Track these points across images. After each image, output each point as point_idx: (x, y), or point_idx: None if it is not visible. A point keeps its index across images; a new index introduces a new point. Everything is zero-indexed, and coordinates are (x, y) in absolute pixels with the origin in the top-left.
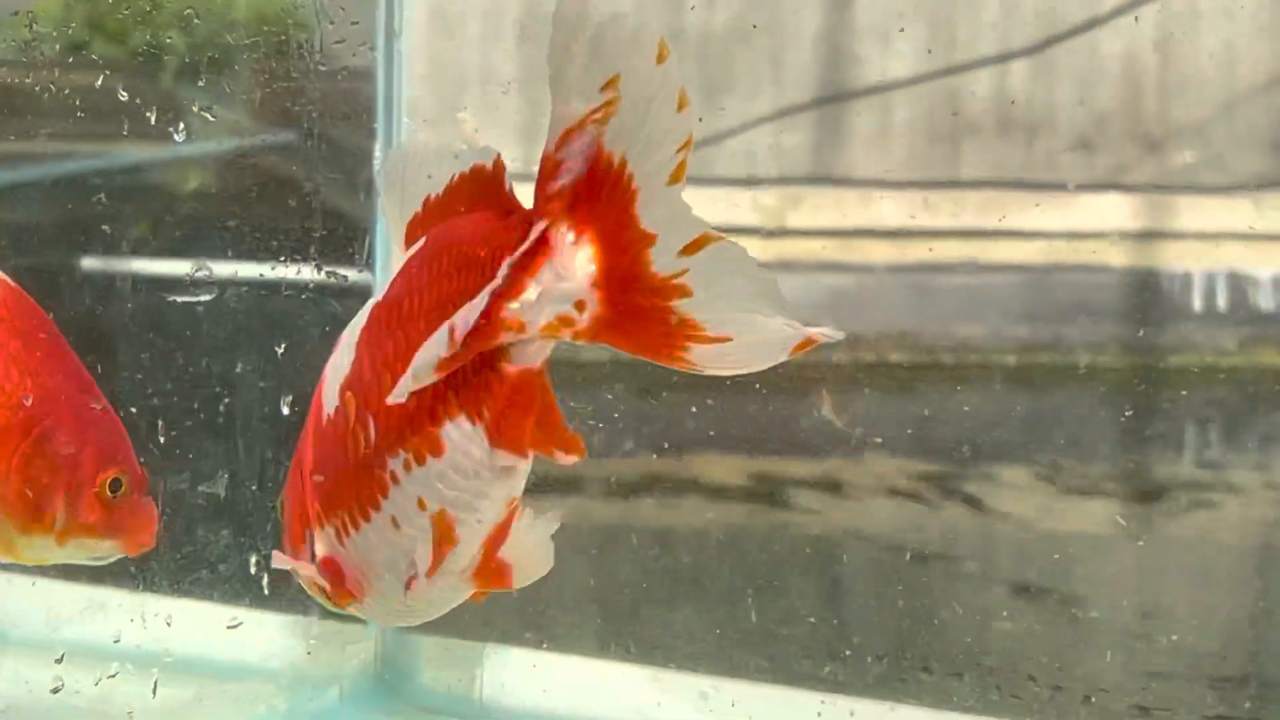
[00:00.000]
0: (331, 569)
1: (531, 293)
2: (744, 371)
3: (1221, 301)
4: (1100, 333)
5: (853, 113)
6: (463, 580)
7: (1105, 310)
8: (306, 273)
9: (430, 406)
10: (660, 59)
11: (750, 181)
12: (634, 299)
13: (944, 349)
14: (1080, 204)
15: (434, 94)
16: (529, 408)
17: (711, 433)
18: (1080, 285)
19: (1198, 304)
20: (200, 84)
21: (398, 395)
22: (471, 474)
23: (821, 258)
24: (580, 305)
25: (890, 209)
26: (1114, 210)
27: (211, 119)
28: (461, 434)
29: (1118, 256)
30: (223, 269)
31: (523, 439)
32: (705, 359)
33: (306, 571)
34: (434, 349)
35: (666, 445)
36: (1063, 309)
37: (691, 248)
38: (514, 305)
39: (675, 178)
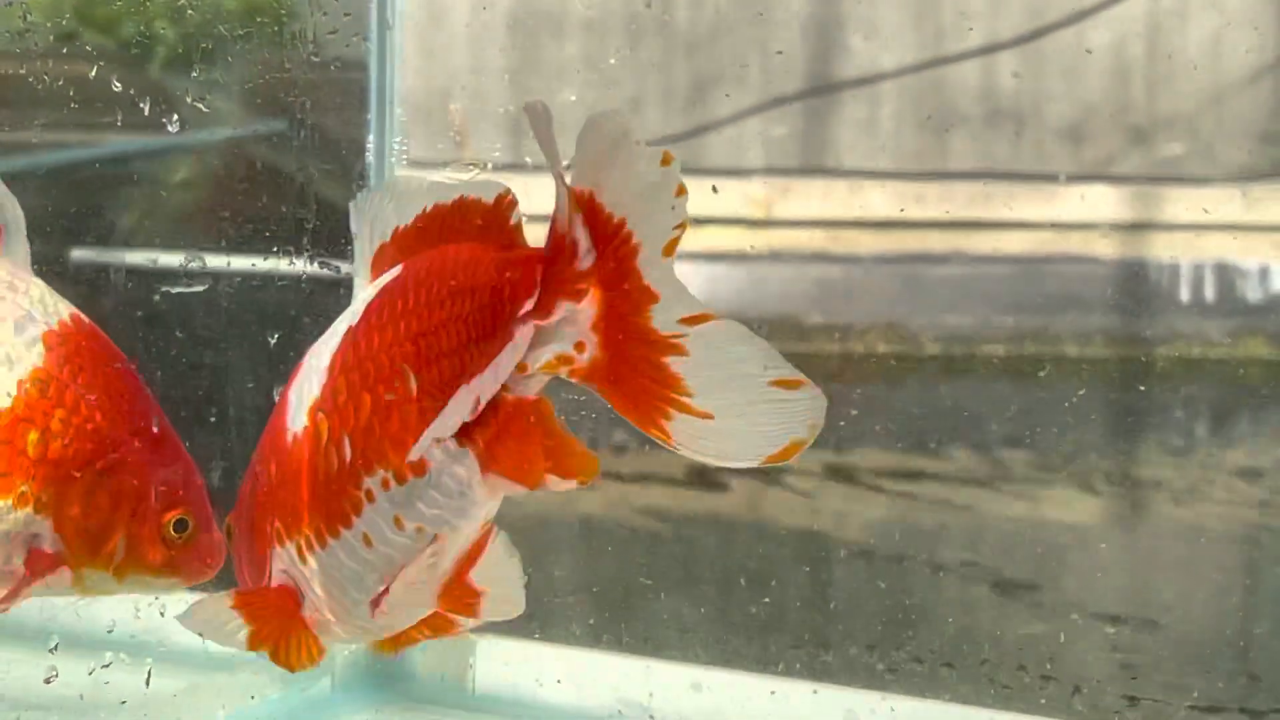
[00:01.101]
0: (286, 594)
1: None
2: (716, 463)
3: (1209, 293)
4: (1088, 324)
5: (841, 103)
6: (430, 597)
7: (1093, 301)
8: (299, 263)
9: (415, 428)
10: (665, 162)
11: (739, 172)
12: (631, 347)
13: (932, 340)
14: (1068, 195)
15: (426, 85)
16: (524, 434)
17: None
18: (1068, 276)
19: (1185, 295)
20: (193, 74)
21: (417, 452)
22: (455, 494)
23: (810, 248)
24: (580, 346)
25: (878, 199)
26: (1102, 201)
27: (205, 110)
28: (447, 455)
29: (1106, 248)
30: (215, 259)
31: (517, 464)
32: (683, 435)
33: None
34: (456, 413)
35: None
36: (1051, 300)
37: (692, 320)
38: None
39: (668, 251)
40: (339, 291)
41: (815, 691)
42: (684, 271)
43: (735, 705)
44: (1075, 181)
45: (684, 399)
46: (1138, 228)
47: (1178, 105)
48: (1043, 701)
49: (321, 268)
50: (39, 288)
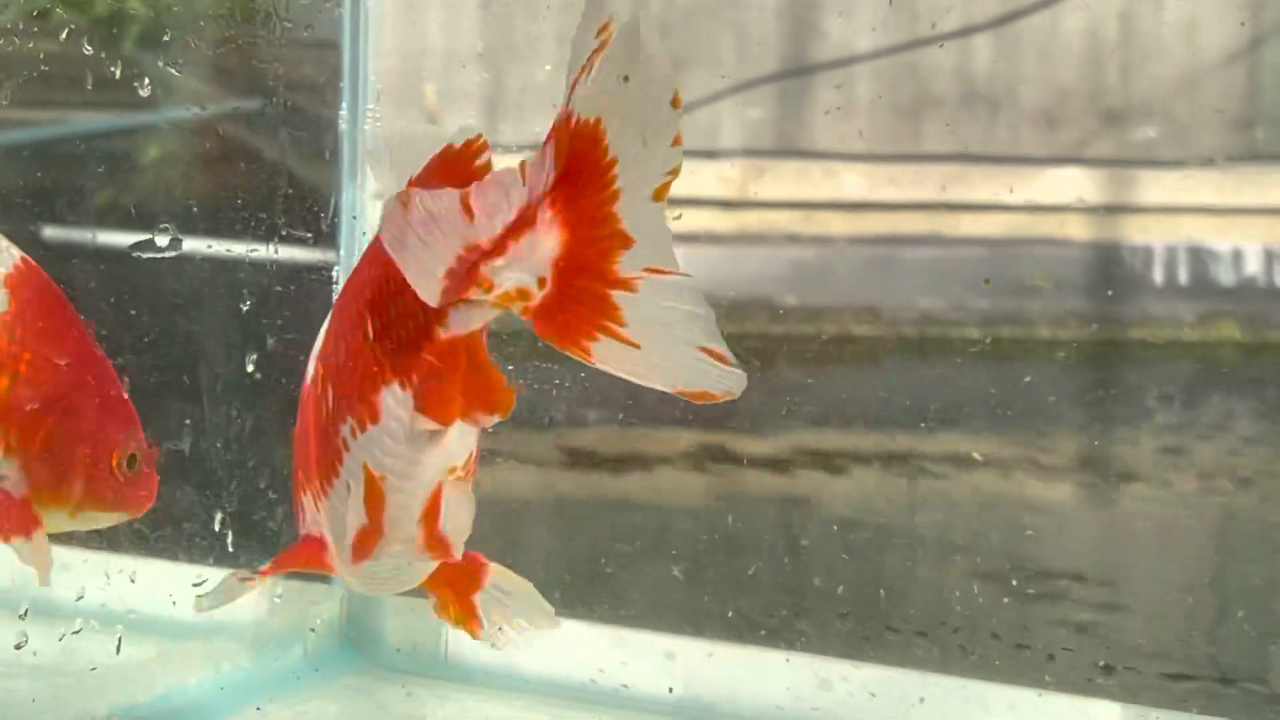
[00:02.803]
0: (311, 544)
1: (507, 257)
2: (631, 379)
3: (1183, 276)
4: (1061, 306)
5: (816, 85)
6: (414, 551)
7: (1067, 284)
8: (271, 234)
9: (372, 374)
10: (675, 105)
11: (713, 153)
12: (584, 283)
13: (906, 322)
14: (1042, 178)
15: (401, 65)
16: (454, 372)
17: (675, 407)
18: (1042, 259)
19: (1159, 278)
20: (167, 49)
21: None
22: (402, 439)
23: (784, 230)
24: (541, 281)
25: (853, 181)
26: (1076, 184)
27: (176, 73)
28: (395, 400)
29: (1079, 230)
30: (186, 231)
31: (445, 404)
32: (605, 355)
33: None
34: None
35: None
36: (1025, 283)
37: (654, 271)
38: (493, 264)
39: (658, 196)
40: (310, 263)
41: (788, 660)
42: None
43: (709, 674)
44: (1049, 164)
45: (617, 328)
46: (1111, 210)
47: (1152, 88)
48: (1016, 670)
49: (293, 240)
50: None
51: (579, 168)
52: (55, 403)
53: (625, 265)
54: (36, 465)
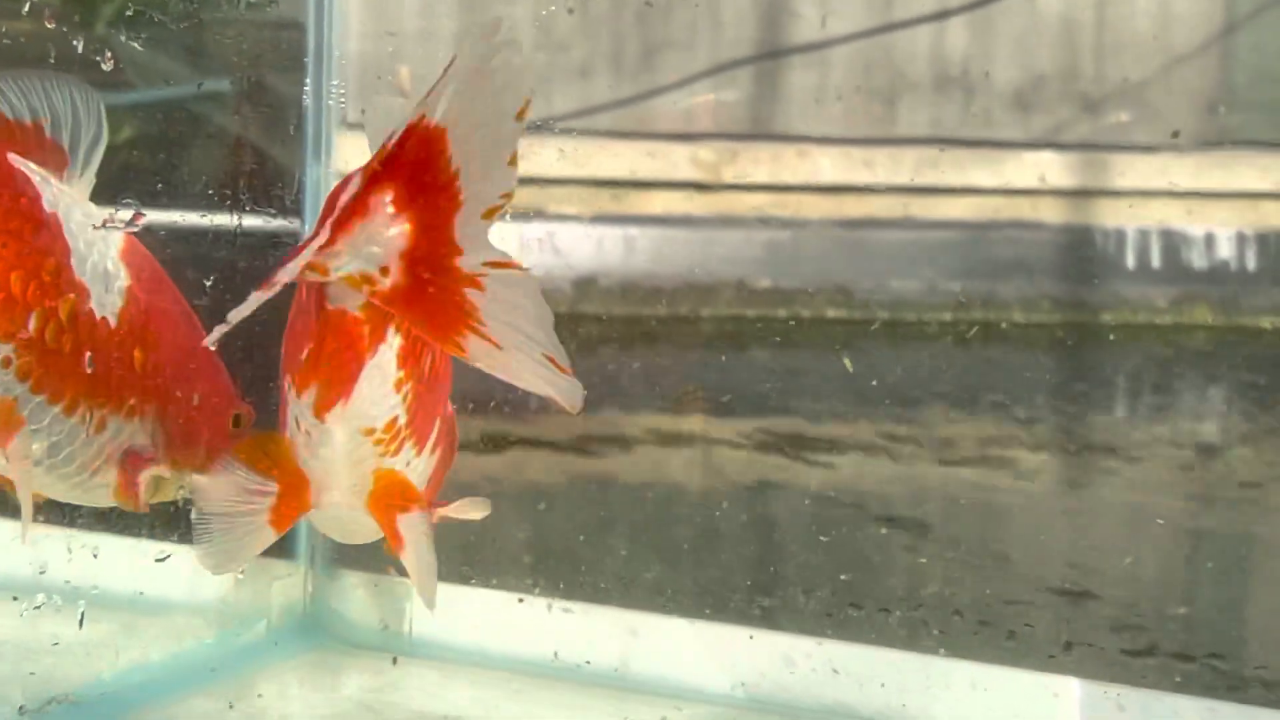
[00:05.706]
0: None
1: (340, 245)
2: (505, 379)
3: (1155, 259)
4: (1034, 289)
5: (790, 69)
6: (357, 500)
7: (1040, 267)
8: (235, 210)
9: (299, 340)
10: (520, 116)
11: (688, 136)
12: (433, 278)
13: (879, 305)
14: (1016, 161)
15: (376, 48)
16: (328, 343)
17: (654, 389)
18: (1015, 242)
19: (1131, 262)
20: (130, 25)
21: (210, 340)
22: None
23: (758, 212)
24: (385, 270)
25: (827, 164)
26: (1050, 168)
27: (140, 48)
28: None
29: (1053, 213)
30: (152, 209)
31: (316, 374)
32: (478, 354)
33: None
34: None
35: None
36: (998, 265)
37: (495, 265)
38: (326, 251)
39: (489, 215)
40: (274, 241)
41: (751, 637)
42: (631, 234)
43: (671, 651)
44: (1023, 148)
45: (479, 325)
46: (1085, 194)
47: (1126, 73)
48: (979, 647)
49: (256, 217)
50: (96, 208)
51: (425, 170)
52: (179, 370)
53: (464, 263)
54: (171, 431)
